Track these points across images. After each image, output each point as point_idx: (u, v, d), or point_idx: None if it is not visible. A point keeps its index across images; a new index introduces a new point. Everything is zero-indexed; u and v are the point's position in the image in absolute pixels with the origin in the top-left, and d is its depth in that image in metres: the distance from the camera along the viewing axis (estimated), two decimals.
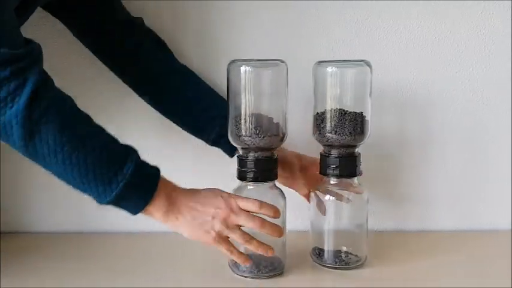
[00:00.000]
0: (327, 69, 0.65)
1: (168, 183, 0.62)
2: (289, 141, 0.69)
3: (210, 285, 0.66)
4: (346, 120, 0.66)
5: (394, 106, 0.83)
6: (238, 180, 0.67)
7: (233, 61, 0.65)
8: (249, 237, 0.63)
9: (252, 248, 0.63)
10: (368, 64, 0.66)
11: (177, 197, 0.62)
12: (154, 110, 0.78)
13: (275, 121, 0.67)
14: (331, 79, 0.66)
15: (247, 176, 0.66)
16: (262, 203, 0.63)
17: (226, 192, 0.65)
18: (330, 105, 0.66)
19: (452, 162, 0.85)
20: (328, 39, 0.81)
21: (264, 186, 0.67)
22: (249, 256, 0.66)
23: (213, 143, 0.75)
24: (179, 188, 0.63)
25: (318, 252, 0.69)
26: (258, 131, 0.65)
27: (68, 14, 0.73)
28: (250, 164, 0.66)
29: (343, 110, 0.66)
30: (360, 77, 0.67)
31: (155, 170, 0.61)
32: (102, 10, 0.72)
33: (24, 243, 0.79)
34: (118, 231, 0.84)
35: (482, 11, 0.81)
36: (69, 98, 0.57)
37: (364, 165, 0.71)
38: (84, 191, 0.57)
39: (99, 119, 0.59)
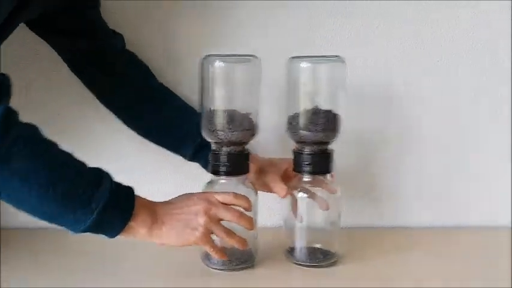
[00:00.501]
0: (300, 64, 0.66)
1: (144, 200, 0.61)
2: (262, 137, 0.70)
3: (182, 278, 0.66)
4: (319, 117, 0.66)
5: (372, 103, 0.84)
6: (211, 175, 0.68)
7: (206, 56, 0.66)
8: (230, 231, 0.63)
9: (232, 242, 0.63)
10: (342, 60, 0.67)
11: (155, 209, 0.61)
12: None
13: (248, 116, 0.67)
14: (305, 75, 0.66)
15: (220, 170, 0.67)
16: (236, 194, 0.64)
17: (198, 192, 0.65)
18: (303, 101, 0.67)
19: (431, 158, 0.86)
20: (304, 35, 0.81)
21: (237, 180, 0.68)
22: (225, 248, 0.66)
23: (192, 158, 0.76)
24: (154, 201, 0.63)
25: (290, 249, 0.70)
26: (230, 126, 0.65)
27: (46, 30, 0.72)
28: (223, 158, 0.66)
29: (316, 108, 0.67)
30: (333, 73, 0.67)
31: (129, 189, 0.60)
32: (83, 28, 0.72)
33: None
34: None
35: (465, 6, 0.82)
36: (36, 127, 0.55)
37: (342, 162, 0.72)
38: (62, 220, 0.56)
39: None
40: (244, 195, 0.64)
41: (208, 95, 0.66)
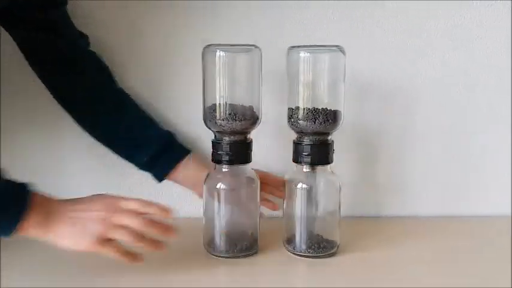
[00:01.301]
0: (300, 54, 0.66)
1: (42, 198, 0.59)
2: (264, 127, 0.71)
3: (185, 266, 0.67)
4: (319, 108, 0.67)
5: (374, 93, 0.84)
6: (213, 163, 0.69)
7: (208, 46, 0.67)
8: (137, 235, 0.59)
9: (145, 246, 0.60)
10: (341, 50, 0.67)
11: (53, 210, 0.58)
12: None
13: (249, 105, 0.68)
14: (304, 64, 0.67)
15: (222, 159, 0.68)
16: (148, 202, 0.62)
17: (112, 195, 0.62)
18: (302, 91, 0.67)
19: (433, 148, 0.86)
20: (303, 25, 0.82)
21: (239, 169, 0.69)
22: (225, 236, 0.68)
23: (143, 167, 0.76)
24: (57, 199, 0.60)
25: (290, 240, 0.70)
26: (232, 115, 0.66)
27: (11, 25, 0.71)
28: (225, 148, 0.67)
29: (316, 98, 0.67)
30: (333, 63, 0.68)
31: (23, 187, 0.58)
32: (45, 24, 0.71)
33: None
34: None
35: None
36: None
37: (343, 152, 0.72)
38: None
39: None
40: (161, 204, 0.62)
41: (209, 85, 0.67)
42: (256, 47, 0.67)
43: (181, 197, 0.83)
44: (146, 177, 0.78)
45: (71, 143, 0.84)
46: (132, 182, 0.84)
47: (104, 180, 0.85)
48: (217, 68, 0.66)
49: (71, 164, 0.85)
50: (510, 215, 0.86)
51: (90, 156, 0.84)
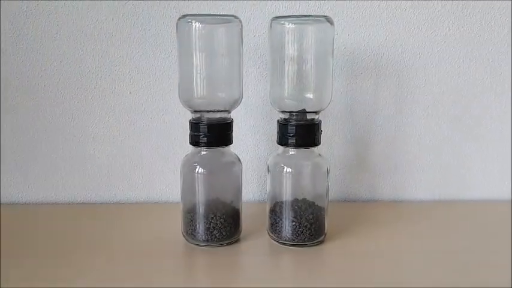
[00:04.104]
0: (284, 25, 0.61)
1: None
2: (246, 106, 0.66)
3: (163, 256, 0.62)
4: (305, 85, 0.61)
5: (365, 69, 0.79)
6: (191, 146, 0.64)
7: (182, 16, 0.61)
8: None
9: None
10: (329, 20, 0.61)
11: None
12: None
13: (229, 82, 0.63)
14: (288, 37, 0.61)
15: (201, 141, 0.62)
16: None
17: None
18: (287, 67, 0.62)
19: (429, 128, 0.81)
20: None
21: (218, 151, 0.64)
22: (207, 223, 0.63)
23: None
24: None
25: (275, 228, 0.65)
26: (211, 92, 0.61)
27: None
28: (203, 128, 0.62)
29: (302, 74, 0.62)
30: (320, 35, 0.62)
31: None
32: None
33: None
34: (69, 202, 0.81)
35: None
36: None
37: (332, 133, 0.67)
38: None
39: None
40: None
41: (185, 60, 0.62)
42: (236, 17, 0.61)
43: (160, 180, 0.79)
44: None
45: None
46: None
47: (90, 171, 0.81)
48: (193, 41, 0.61)
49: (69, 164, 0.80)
50: (511, 200, 0.82)
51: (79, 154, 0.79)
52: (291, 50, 0.61)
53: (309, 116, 0.63)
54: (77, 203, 0.81)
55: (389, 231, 0.70)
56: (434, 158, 0.82)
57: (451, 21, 0.78)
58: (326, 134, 0.64)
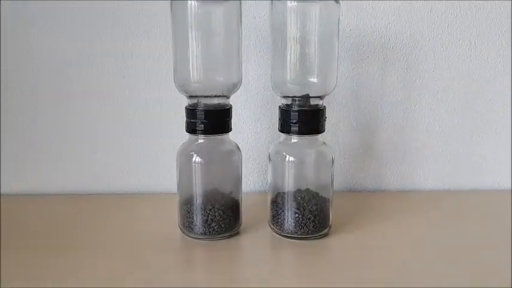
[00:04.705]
0: (286, 4, 0.56)
1: None
2: (245, 91, 0.62)
3: (161, 250, 0.58)
4: (308, 68, 0.58)
5: (372, 53, 0.75)
6: (188, 134, 0.60)
7: None
8: None
9: None
10: None
11: None
12: None
13: (228, 65, 0.59)
14: (291, 17, 0.57)
15: (197, 129, 0.59)
16: None
17: None
18: (289, 49, 0.58)
19: (438, 114, 0.77)
20: None
21: (216, 139, 0.60)
22: (204, 215, 0.59)
23: None
24: None
25: (276, 220, 0.62)
26: (208, 76, 0.57)
27: None
28: (200, 115, 0.58)
29: (305, 56, 0.58)
30: (325, 14, 0.58)
31: None
32: None
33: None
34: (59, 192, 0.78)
35: None
36: None
37: (337, 119, 0.63)
38: None
39: None
40: None
41: (181, 42, 0.58)
42: None
43: (156, 169, 0.76)
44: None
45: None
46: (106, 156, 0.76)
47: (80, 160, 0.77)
48: (188, 20, 0.56)
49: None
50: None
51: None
52: (293, 31, 0.57)
53: (313, 102, 0.59)
54: (67, 194, 0.77)
55: (397, 222, 0.66)
56: (444, 145, 0.78)
57: (462, 1, 0.73)
58: (330, 120, 0.61)
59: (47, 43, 0.73)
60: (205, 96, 0.59)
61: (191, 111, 0.59)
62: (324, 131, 0.60)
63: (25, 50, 0.73)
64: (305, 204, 0.60)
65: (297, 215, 0.60)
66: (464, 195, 0.77)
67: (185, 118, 0.60)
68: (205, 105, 0.59)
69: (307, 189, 0.61)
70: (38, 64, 0.73)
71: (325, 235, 0.62)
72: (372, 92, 0.76)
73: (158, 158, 0.77)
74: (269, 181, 0.63)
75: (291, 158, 0.60)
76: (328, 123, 0.60)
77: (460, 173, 0.79)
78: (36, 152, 0.76)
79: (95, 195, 0.76)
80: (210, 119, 0.58)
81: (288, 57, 0.58)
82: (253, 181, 0.77)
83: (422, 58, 0.75)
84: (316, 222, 0.61)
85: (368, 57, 0.74)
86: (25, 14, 0.72)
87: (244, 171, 0.63)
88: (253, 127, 0.76)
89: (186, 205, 0.61)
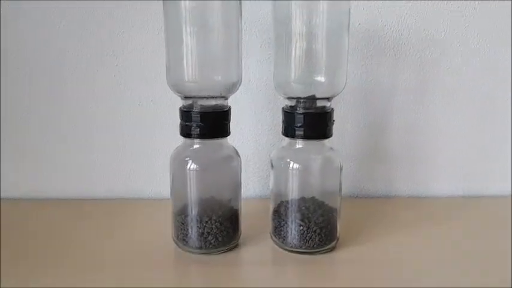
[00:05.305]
0: None
1: None
2: (245, 92, 0.57)
3: (154, 265, 0.53)
4: (315, 66, 0.53)
5: (382, 49, 0.70)
6: (182, 138, 0.55)
7: None
8: None
9: None
10: None
11: None
12: None
13: (226, 63, 0.54)
14: (296, 8, 0.52)
15: (193, 132, 0.53)
16: None
17: None
18: (294, 45, 0.53)
19: (453, 115, 0.72)
20: None
21: (214, 144, 0.55)
22: (200, 228, 0.54)
23: None
24: None
25: (279, 232, 0.57)
26: (204, 74, 0.52)
27: None
28: (196, 117, 0.53)
29: (311, 53, 0.53)
30: (334, 6, 0.53)
31: None
32: None
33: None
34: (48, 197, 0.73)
35: None
36: None
37: (345, 120, 0.58)
38: None
39: None
40: None
41: (173, 35, 0.53)
42: None
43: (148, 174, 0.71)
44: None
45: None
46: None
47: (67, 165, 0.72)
48: (183, 14, 0.51)
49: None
50: None
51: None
52: (299, 24, 0.52)
53: (319, 103, 0.54)
54: (56, 199, 0.72)
55: (410, 233, 0.61)
56: (459, 148, 0.74)
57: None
58: (337, 121, 0.56)
59: (39, 42, 0.68)
60: (201, 97, 0.54)
61: (186, 114, 0.53)
62: (331, 135, 0.55)
63: (17, 49, 0.68)
64: (310, 215, 0.55)
65: (301, 227, 0.55)
66: (481, 202, 0.72)
67: (180, 121, 0.54)
68: (202, 106, 0.54)
69: (313, 198, 0.57)
70: (30, 63, 0.69)
71: (332, 249, 0.57)
72: (381, 90, 0.71)
73: (152, 161, 0.72)
74: (271, 189, 0.58)
75: (296, 165, 0.55)
76: (335, 124, 0.55)
77: (476, 178, 0.74)
78: (24, 156, 0.72)
79: (83, 201, 0.72)
80: (207, 122, 0.53)
81: (293, 53, 0.53)
82: (253, 186, 0.72)
83: (436, 54, 0.70)
84: (323, 235, 0.55)
85: (378, 53, 0.69)
86: (15, 13, 0.67)
87: (244, 176, 0.58)
88: (253, 130, 0.71)
89: (180, 216, 0.56)
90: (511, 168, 0.74)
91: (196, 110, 0.53)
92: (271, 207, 0.58)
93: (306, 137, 0.54)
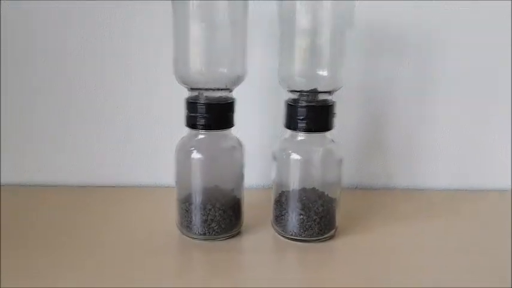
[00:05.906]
0: None
1: None
2: (249, 84, 0.59)
3: (157, 251, 0.55)
4: (317, 61, 0.54)
5: (384, 45, 0.71)
6: (187, 128, 0.57)
7: None
8: None
9: None
10: None
11: None
12: None
13: (232, 56, 0.55)
14: (300, 7, 0.53)
15: (198, 123, 0.55)
16: None
17: None
18: (298, 40, 0.54)
19: (454, 109, 0.74)
20: None
21: (218, 134, 0.57)
22: (204, 215, 0.56)
23: None
24: None
25: (280, 221, 0.59)
26: (211, 67, 0.54)
27: None
28: (201, 109, 0.54)
29: (315, 49, 0.54)
30: (339, 8, 0.54)
31: None
32: None
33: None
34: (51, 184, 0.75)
35: None
36: None
37: (346, 114, 0.60)
38: None
39: None
40: None
41: (182, 30, 0.54)
42: None
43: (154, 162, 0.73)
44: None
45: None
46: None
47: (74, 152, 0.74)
48: (190, 7, 0.53)
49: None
50: None
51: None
52: (303, 19, 0.53)
53: (322, 97, 0.56)
54: (60, 186, 0.74)
55: (408, 224, 0.63)
56: (460, 142, 0.75)
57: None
58: (338, 114, 0.57)
59: (45, 35, 0.69)
60: (207, 89, 0.55)
61: (191, 105, 0.55)
62: (332, 128, 0.57)
63: (22, 41, 0.70)
64: (310, 205, 0.57)
65: (301, 216, 0.57)
66: (480, 195, 0.74)
67: (185, 112, 0.56)
68: (207, 98, 0.55)
69: (313, 189, 0.58)
70: (36, 54, 0.70)
71: (331, 237, 0.59)
72: (382, 85, 0.72)
73: (158, 151, 0.74)
74: (272, 180, 0.59)
75: (297, 157, 0.57)
76: (336, 117, 0.57)
77: (476, 172, 0.76)
78: (31, 143, 0.73)
79: (89, 188, 0.73)
80: (212, 113, 0.55)
81: (296, 47, 0.54)
82: (255, 177, 0.74)
83: (438, 50, 0.71)
84: (322, 225, 0.57)
85: (380, 48, 0.71)
86: (20, 5, 0.68)
87: (247, 166, 0.59)
88: (257, 122, 0.72)
89: (185, 203, 0.58)
90: (511, 163, 0.76)
91: (201, 102, 0.55)
92: (272, 197, 0.60)
93: (308, 129, 0.55)
